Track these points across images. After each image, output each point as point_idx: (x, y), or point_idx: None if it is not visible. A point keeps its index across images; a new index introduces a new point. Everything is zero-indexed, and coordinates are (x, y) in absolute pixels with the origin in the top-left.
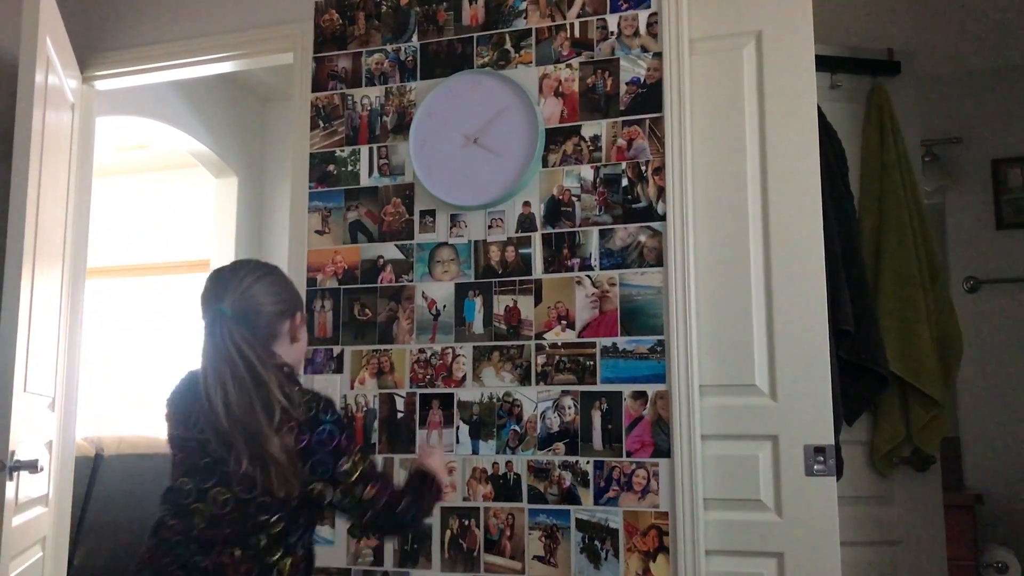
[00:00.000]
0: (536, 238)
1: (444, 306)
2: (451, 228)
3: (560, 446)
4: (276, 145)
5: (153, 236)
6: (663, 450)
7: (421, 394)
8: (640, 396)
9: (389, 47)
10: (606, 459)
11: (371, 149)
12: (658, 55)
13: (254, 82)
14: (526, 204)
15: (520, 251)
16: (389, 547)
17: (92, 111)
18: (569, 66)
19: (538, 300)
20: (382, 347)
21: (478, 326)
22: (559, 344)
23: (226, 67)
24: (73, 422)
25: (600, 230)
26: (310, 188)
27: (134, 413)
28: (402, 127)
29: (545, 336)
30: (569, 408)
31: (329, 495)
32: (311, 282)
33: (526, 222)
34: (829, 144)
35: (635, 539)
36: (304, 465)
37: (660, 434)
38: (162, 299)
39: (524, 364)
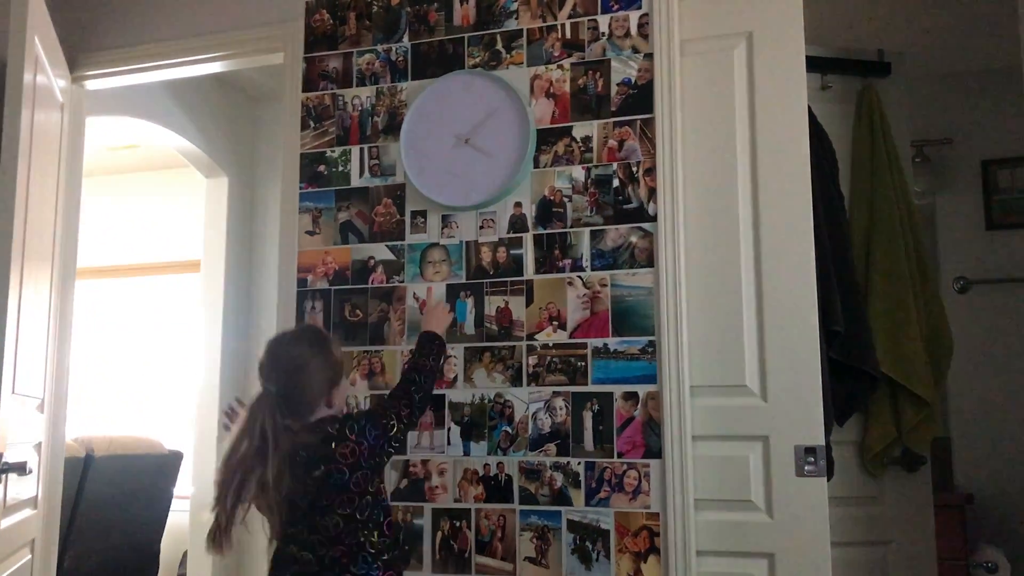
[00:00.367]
0: (527, 239)
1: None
2: (442, 229)
3: (551, 447)
4: (267, 145)
5: (143, 236)
6: (654, 451)
7: None
8: (631, 397)
9: (380, 47)
10: (597, 460)
11: (362, 149)
12: (649, 56)
13: (245, 82)
14: (517, 205)
15: (511, 252)
16: None
17: (82, 111)
18: (560, 67)
19: (529, 301)
20: (373, 348)
21: (469, 327)
22: (550, 345)
23: (217, 67)
24: (63, 424)
25: (591, 231)
26: (301, 188)
27: (125, 414)
28: (393, 127)
29: (536, 337)
30: (560, 409)
31: (393, 453)
32: (302, 283)
33: (517, 223)
34: (820, 145)
35: (626, 540)
36: (372, 458)
37: (651, 435)
38: (153, 299)
39: (515, 365)
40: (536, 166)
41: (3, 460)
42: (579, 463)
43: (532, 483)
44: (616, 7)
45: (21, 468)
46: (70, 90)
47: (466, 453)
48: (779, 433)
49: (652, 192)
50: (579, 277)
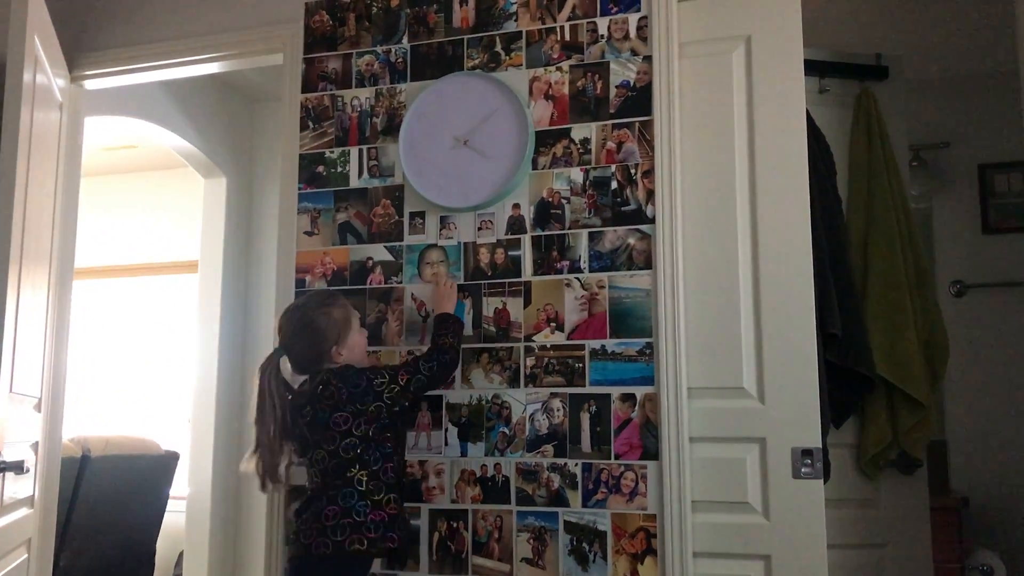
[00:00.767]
0: (526, 240)
1: (433, 308)
2: (441, 230)
3: (548, 448)
4: (265, 146)
5: (141, 237)
6: (651, 452)
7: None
8: (629, 398)
9: (379, 48)
10: (594, 461)
11: (361, 150)
12: (648, 58)
13: (244, 83)
14: (516, 206)
15: (509, 253)
16: None
17: (80, 111)
18: (559, 69)
19: (527, 302)
20: (371, 348)
21: (467, 328)
22: (548, 346)
23: (216, 67)
24: (59, 423)
25: (589, 232)
26: (299, 189)
27: (121, 414)
28: (392, 128)
29: (534, 338)
30: (558, 410)
31: (383, 408)
32: (300, 283)
33: (516, 224)
34: (817, 148)
35: (623, 541)
36: (351, 404)
37: (648, 436)
38: (150, 300)
39: (513, 366)
40: (534, 168)
41: (0, 459)
42: (576, 464)
43: (529, 484)
44: (615, 10)
45: (18, 467)
46: (69, 89)
47: (463, 454)
48: (776, 435)
49: (650, 194)
50: (577, 279)
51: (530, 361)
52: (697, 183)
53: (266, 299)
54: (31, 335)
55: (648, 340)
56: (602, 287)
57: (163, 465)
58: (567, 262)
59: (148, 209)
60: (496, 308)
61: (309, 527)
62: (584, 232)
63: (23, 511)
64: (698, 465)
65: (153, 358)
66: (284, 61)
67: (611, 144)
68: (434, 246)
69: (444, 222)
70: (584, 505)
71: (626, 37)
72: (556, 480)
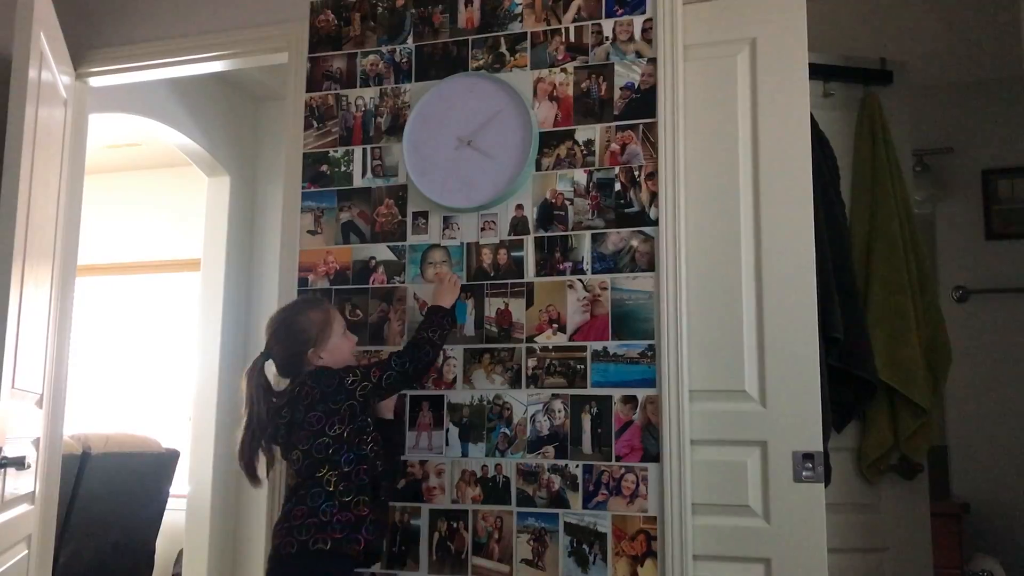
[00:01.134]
0: (528, 241)
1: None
2: (444, 230)
3: (549, 449)
4: (269, 144)
5: (144, 234)
6: (652, 455)
7: (411, 396)
8: (630, 400)
9: (384, 48)
10: (595, 463)
11: (364, 150)
12: (652, 61)
13: (248, 81)
14: (519, 207)
15: (512, 254)
16: None
17: (85, 108)
18: (564, 70)
19: (530, 303)
20: (373, 348)
21: (469, 328)
22: (550, 347)
23: (220, 66)
24: (61, 420)
25: (592, 234)
26: (303, 188)
27: (122, 411)
28: (396, 128)
29: (536, 339)
30: (559, 411)
31: (356, 406)
32: (302, 282)
33: (519, 225)
34: (821, 152)
35: (623, 543)
36: (324, 403)
37: (649, 439)
38: (152, 297)
39: (515, 367)
40: (538, 169)
41: (2, 454)
42: (577, 466)
43: (530, 485)
44: (620, 11)
45: (20, 463)
46: (74, 86)
47: (464, 454)
48: (777, 439)
49: (654, 196)
50: (579, 280)
51: (532, 362)
52: (700, 186)
53: (268, 298)
54: (33, 331)
55: (650, 342)
56: (604, 289)
57: (163, 463)
58: (570, 263)
59: (151, 207)
60: (498, 309)
61: (279, 526)
62: (587, 234)
63: (24, 507)
64: (699, 468)
65: (154, 356)
66: (289, 60)
67: (615, 146)
68: (437, 246)
69: (447, 222)
70: (584, 507)
71: (631, 39)
72: (557, 481)
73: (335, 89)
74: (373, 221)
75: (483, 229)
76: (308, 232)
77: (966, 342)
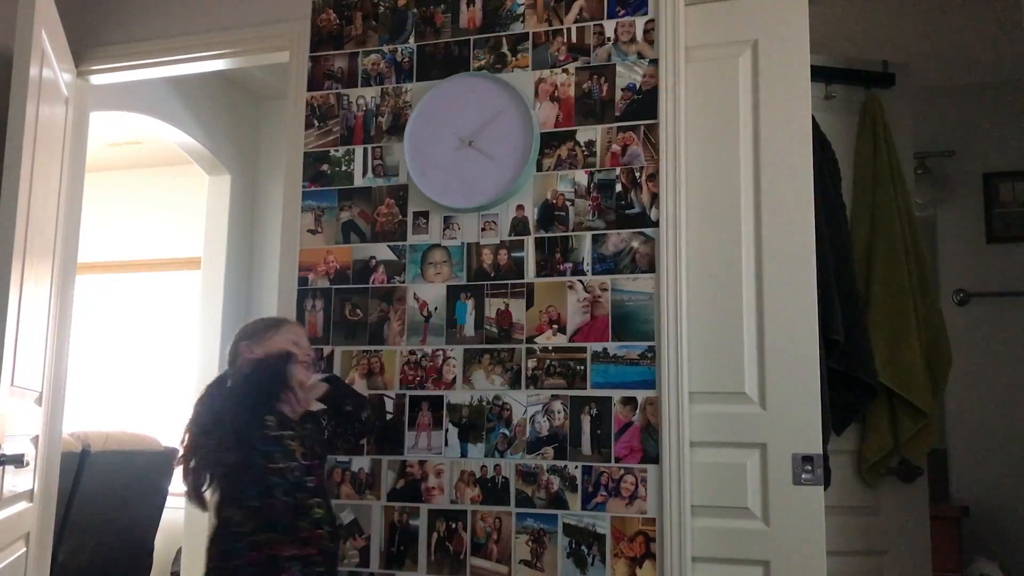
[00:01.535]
0: (529, 242)
1: (436, 308)
2: (444, 230)
3: (549, 450)
4: (270, 143)
5: (144, 232)
6: (652, 456)
7: (411, 396)
8: (630, 402)
9: (386, 48)
10: (594, 464)
11: (365, 149)
12: (654, 62)
13: (249, 80)
14: (519, 207)
15: (513, 254)
16: (375, 549)
17: (86, 105)
18: (565, 71)
19: (530, 304)
20: (372, 348)
21: (469, 328)
22: (550, 348)
23: (222, 64)
24: (60, 417)
25: (593, 235)
26: (303, 187)
27: (122, 409)
28: (397, 128)
29: (536, 340)
30: (559, 412)
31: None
32: (302, 281)
33: (519, 225)
34: (823, 154)
35: (622, 545)
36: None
37: (649, 440)
38: (152, 296)
39: (514, 367)
40: (539, 169)
41: (1, 452)
42: (576, 467)
43: (529, 486)
44: (622, 12)
45: (18, 460)
46: (75, 84)
47: (463, 455)
48: (777, 441)
49: (654, 197)
50: (580, 281)
51: (531, 363)
52: (701, 187)
53: (268, 297)
54: (33, 329)
55: (650, 344)
56: (605, 290)
57: (163, 461)
58: (570, 264)
59: (152, 205)
60: (498, 309)
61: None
62: (588, 235)
63: (22, 505)
64: (698, 469)
65: (154, 354)
66: (290, 59)
67: (616, 147)
68: (437, 246)
69: (448, 222)
70: (583, 508)
71: (633, 40)
72: (556, 482)
73: (336, 88)
74: (374, 221)
75: (484, 229)
76: (308, 231)
77: (966, 345)
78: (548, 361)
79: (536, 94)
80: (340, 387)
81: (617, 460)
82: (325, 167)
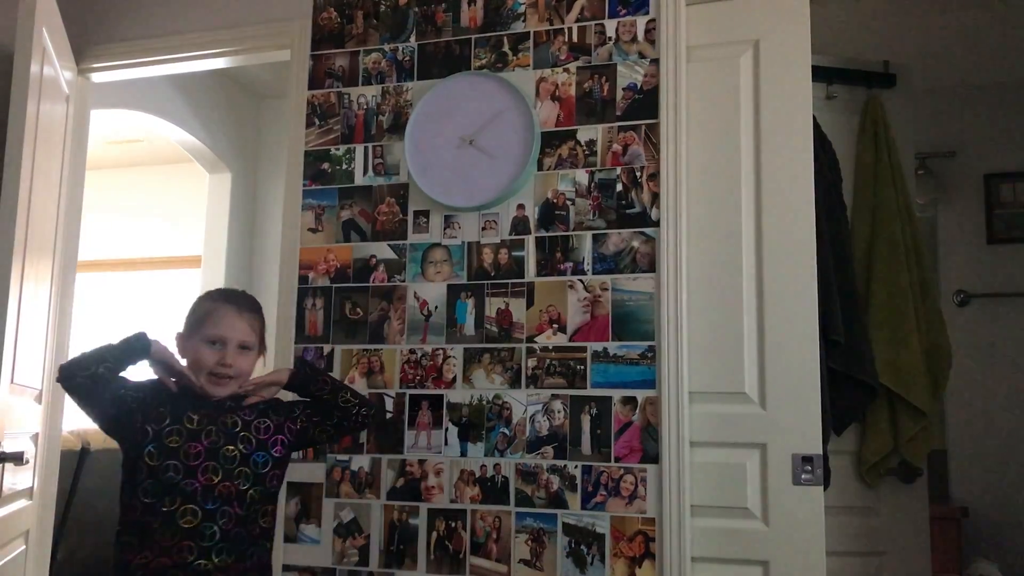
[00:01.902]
0: (529, 241)
1: (436, 307)
2: (444, 229)
3: (548, 450)
4: (271, 142)
5: (145, 231)
6: (651, 456)
7: (411, 395)
8: (630, 401)
9: (387, 47)
10: (594, 464)
11: (366, 148)
12: (655, 61)
13: (250, 78)
14: (520, 207)
15: (513, 254)
16: (375, 548)
17: (87, 103)
18: (566, 70)
19: (530, 303)
20: (372, 347)
21: (469, 328)
22: (550, 348)
23: (223, 63)
24: (60, 415)
25: (593, 234)
26: (304, 186)
27: None
28: (398, 127)
29: (536, 339)
30: (558, 412)
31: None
32: (303, 280)
33: (520, 225)
34: (823, 154)
35: (621, 544)
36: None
37: (649, 440)
38: (153, 294)
39: (515, 367)
40: (540, 169)
41: (1, 449)
42: (576, 466)
43: (528, 485)
44: (624, 12)
45: (18, 458)
46: (76, 82)
47: (463, 454)
48: (777, 441)
49: (655, 197)
50: (580, 280)
51: (532, 362)
52: (702, 187)
53: (269, 295)
54: (33, 327)
55: (650, 343)
56: (605, 289)
57: None
58: (570, 264)
59: (152, 203)
60: (498, 308)
61: None
62: (588, 234)
63: (22, 502)
64: (698, 469)
65: None
66: (291, 57)
67: (617, 146)
68: (438, 245)
69: (448, 221)
70: (583, 507)
71: (634, 39)
72: (555, 482)
73: (337, 87)
74: (374, 219)
75: (484, 228)
76: (309, 230)
77: (967, 346)
78: (548, 360)
79: (537, 93)
80: (310, 371)
81: (617, 460)
82: (326, 166)
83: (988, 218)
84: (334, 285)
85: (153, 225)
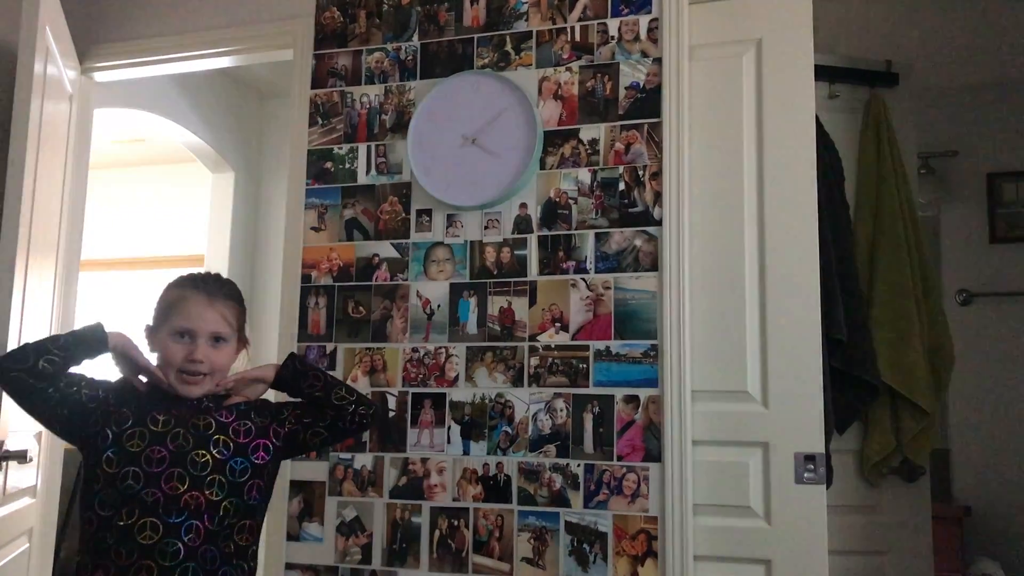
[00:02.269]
0: (532, 240)
1: (438, 306)
2: (447, 228)
3: (551, 448)
4: (274, 141)
5: (148, 230)
6: (654, 455)
7: (413, 393)
8: (632, 400)
9: (390, 46)
10: (597, 462)
11: (369, 147)
12: (658, 60)
13: (253, 78)
14: (523, 206)
15: (516, 252)
16: (377, 546)
17: (90, 103)
18: (569, 69)
19: (532, 302)
20: (375, 345)
21: (472, 326)
22: (552, 346)
23: (226, 62)
24: None
25: (596, 233)
26: (307, 185)
27: None
28: (401, 126)
29: (539, 338)
30: (561, 411)
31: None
32: (306, 278)
33: (522, 223)
34: (826, 153)
35: (624, 543)
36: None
37: (651, 438)
38: (156, 293)
39: (517, 365)
40: (542, 168)
41: (4, 448)
42: (578, 465)
43: (531, 484)
44: (626, 11)
45: (22, 456)
46: (79, 81)
47: (466, 452)
48: (779, 440)
49: (658, 196)
50: (583, 279)
51: (534, 361)
52: (705, 186)
53: (271, 295)
54: (36, 325)
55: (653, 342)
56: (608, 288)
57: None
58: (573, 262)
59: (155, 202)
60: (501, 307)
61: None
62: (591, 233)
63: (26, 500)
64: (700, 468)
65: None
66: (294, 57)
67: (619, 145)
68: (440, 244)
69: (451, 220)
70: (585, 506)
71: (636, 39)
72: (558, 480)
73: (340, 86)
74: (377, 218)
75: (487, 227)
76: (312, 229)
77: (969, 345)
78: (550, 359)
79: (540, 92)
80: (300, 366)
81: (619, 458)
82: (328, 165)
83: (991, 217)
84: (337, 284)
85: (156, 224)
